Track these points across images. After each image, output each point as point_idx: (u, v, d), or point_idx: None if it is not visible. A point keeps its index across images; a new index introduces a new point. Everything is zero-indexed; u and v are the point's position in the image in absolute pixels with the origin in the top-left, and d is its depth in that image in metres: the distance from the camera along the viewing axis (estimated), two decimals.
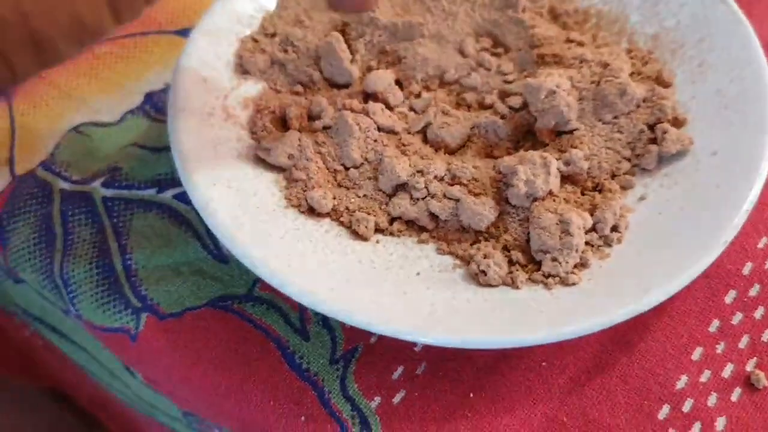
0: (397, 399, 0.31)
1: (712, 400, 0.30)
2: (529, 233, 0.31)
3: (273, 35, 0.38)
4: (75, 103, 0.41)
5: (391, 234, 0.33)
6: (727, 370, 0.31)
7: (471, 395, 0.30)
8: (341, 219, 0.33)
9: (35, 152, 0.39)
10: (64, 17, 0.17)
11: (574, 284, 0.29)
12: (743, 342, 0.31)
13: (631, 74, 0.35)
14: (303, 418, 0.30)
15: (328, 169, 0.34)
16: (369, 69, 0.37)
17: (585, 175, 0.32)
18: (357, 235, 0.32)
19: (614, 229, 0.31)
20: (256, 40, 0.38)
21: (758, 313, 0.32)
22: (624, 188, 0.33)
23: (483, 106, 0.36)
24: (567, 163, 0.32)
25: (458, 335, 0.28)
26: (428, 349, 0.32)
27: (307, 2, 0.39)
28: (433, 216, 0.32)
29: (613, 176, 0.33)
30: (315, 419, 0.30)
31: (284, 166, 0.34)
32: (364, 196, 0.33)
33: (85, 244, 0.36)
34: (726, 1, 0.36)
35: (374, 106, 0.34)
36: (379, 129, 0.34)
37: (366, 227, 0.32)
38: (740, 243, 0.34)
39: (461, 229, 0.32)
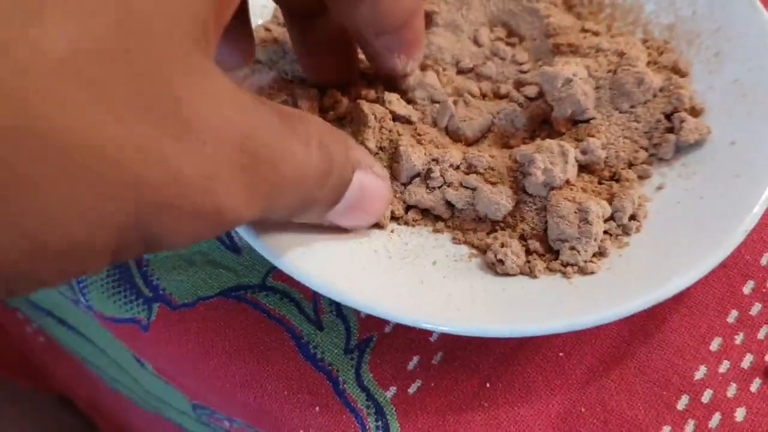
0: (412, 389, 0.30)
1: (731, 390, 0.30)
2: (546, 222, 0.31)
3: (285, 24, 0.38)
4: None
5: (406, 223, 0.32)
6: (746, 361, 0.31)
7: (488, 385, 0.30)
8: None
9: None
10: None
11: (592, 273, 0.29)
12: (762, 333, 0.31)
13: (647, 64, 0.35)
14: (317, 408, 0.30)
15: None
16: None
17: (602, 164, 0.32)
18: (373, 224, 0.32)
19: (633, 218, 0.31)
20: (268, 29, 0.38)
21: None
22: (641, 178, 0.32)
23: (498, 96, 0.35)
24: (584, 152, 0.31)
25: (475, 324, 0.28)
26: (444, 338, 0.31)
27: None
28: (450, 205, 0.32)
29: (630, 165, 0.32)
30: (330, 409, 0.30)
31: None
32: None
33: None
34: None
35: (390, 96, 0.34)
36: (395, 119, 0.34)
37: (383, 215, 0.31)
38: (758, 233, 0.34)
39: (477, 219, 0.32)
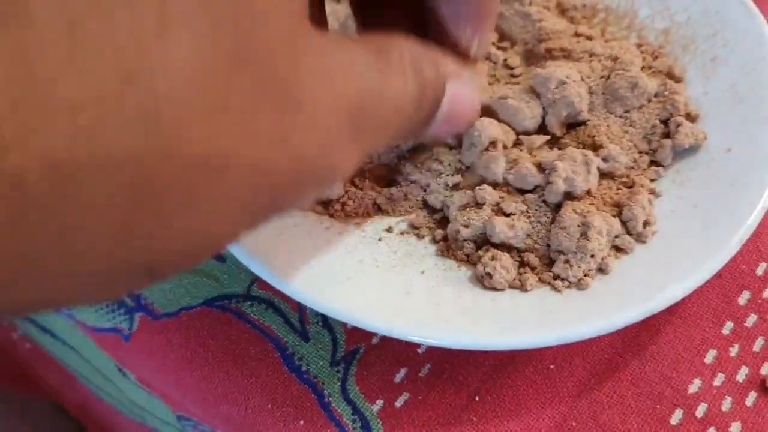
0: (400, 402, 0.29)
1: (726, 404, 0.29)
2: (548, 237, 0.30)
3: None
4: None
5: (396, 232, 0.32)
6: (742, 374, 0.30)
7: (476, 398, 0.29)
8: (345, 212, 0.31)
9: None
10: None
11: (583, 288, 0.28)
12: (758, 345, 0.30)
13: (642, 68, 0.34)
14: (302, 422, 0.29)
15: None
16: None
17: (623, 170, 0.31)
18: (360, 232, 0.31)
19: (646, 224, 0.30)
20: None
21: None
22: (653, 181, 0.31)
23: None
24: (606, 160, 0.31)
25: (465, 336, 0.27)
26: (432, 350, 0.31)
27: None
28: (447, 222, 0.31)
29: (632, 168, 0.32)
30: (314, 423, 0.29)
31: None
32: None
33: None
34: None
35: None
36: None
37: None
38: (754, 243, 0.33)
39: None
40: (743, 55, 0.34)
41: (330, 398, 0.30)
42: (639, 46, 0.36)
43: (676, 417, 0.29)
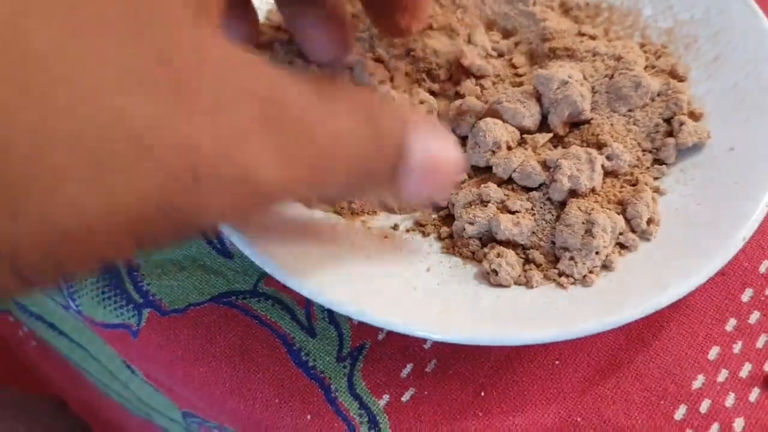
0: (406, 397, 0.30)
1: (729, 400, 0.29)
2: (554, 234, 0.30)
3: (278, 28, 0.37)
4: None
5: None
6: (745, 370, 0.30)
7: (482, 394, 0.30)
8: (351, 210, 0.32)
9: None
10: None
11: (588, 285, 0.29)
12: (761, 341, 0.31)
13: (645, 68, 0.35)
14: (309, 416, 0.30)
15: None
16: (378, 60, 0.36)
17: (627, 169, 0.31)
18: (370, 223, 0.31)
19: (650, 221, 0.30)
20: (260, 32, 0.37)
21: None
22: (656, 179, 0.32)
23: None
24: (610, 158, 0.31)
25: (470, 332, 0.27)
26: (438, 346, 0.31)
27: None
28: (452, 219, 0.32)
29: (635, 167, 0.32)
30: (321, 417, 0.30)
31: None
32: None
33: None
34: None
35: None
36: None
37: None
38: (757, 241, 0.33)
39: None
40: (746, 55, 0.34)
41: (337, 393, 0.30)
42: (642, 45, 0.36)
43: (680, 412, 0.29)
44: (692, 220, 0.30)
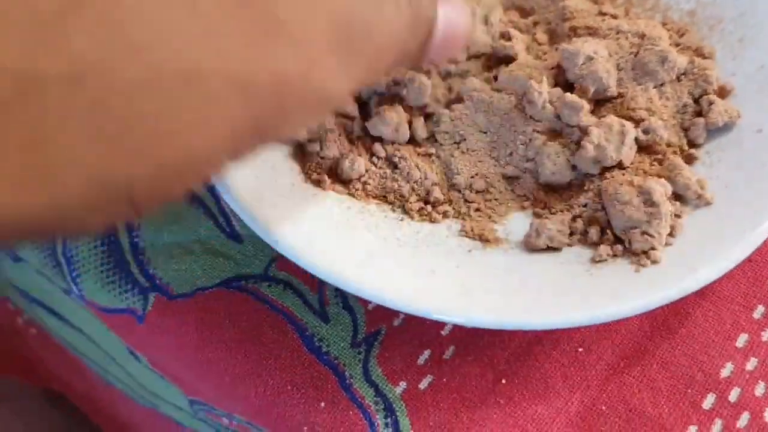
0: (423, 384, 0.29)
1: (759, 389, 0.28)
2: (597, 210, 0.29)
3: None
4: None
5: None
6: None
7: (503, 381, 0.28)
8: (366, 191, 0.31)
9: None
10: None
11: (655, 262, 0.27)
12: None
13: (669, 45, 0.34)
14: (323, 403, 0.29)
15: (352, 142, 0.32)
16: None
17: (663, 145, 0.30)
18: (384, 206, 0.30)
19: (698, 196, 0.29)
20: None
21: None
22: (687, 160, 0.31)
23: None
24: (646, 132, 0.30)
25: (492, 315, 0.26)
26: (456, 332, 0.30)
27: None
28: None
29: (668, 145, 0.31)
30: (336, 405, 0.29)
31: (301, 140, 0.32)
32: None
33: None
34: None
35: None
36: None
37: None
38: None
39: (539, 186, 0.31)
40: None
41: (352, 380, 0.29)
42: (664, 25, 0.35)
43: (709, 401, 0.28)
44: (719, 203, 0.29)
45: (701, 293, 0.30)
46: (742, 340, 0.29)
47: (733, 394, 0.28)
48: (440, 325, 0.30)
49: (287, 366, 0.29)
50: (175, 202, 0.21)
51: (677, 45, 0.34)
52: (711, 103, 0.31)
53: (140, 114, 0.16)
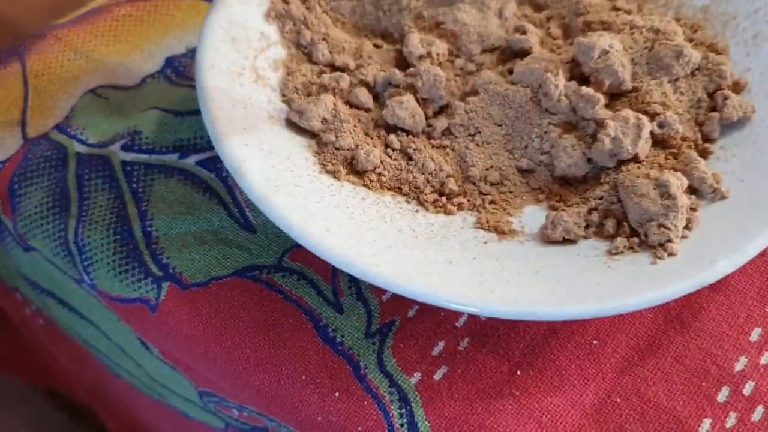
0: (438, 375, 0.29)
1: None
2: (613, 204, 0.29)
3: None
4: (92, 64, 0.39)
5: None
6: None
7: (518, 373, 0.28)
8: (380, 183, 0.31)
9: (49, 115, 0.37)
10: None
11: (672, 254, 0.27)
12: None
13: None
14: (337, 393, 0.29)
15: (367, 134, 0.32)
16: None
17: (678, 139, 0.30)
18: (399, 198, 0.30)
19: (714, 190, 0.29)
20: (286, 1, 0.36)
21: None
22: (703, 155, 0.31)
23: None
24: (661, 126, 0.30)
25: (511, 306, 0.26)
26: (471, 323, 0.30)
27: None
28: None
29: (683, 139, 0.31)
30: (350, 395, 0.28)
31: (317, 131, 0.32)
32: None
33: (102, 210, 0.34)
34: None
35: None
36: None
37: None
38: None
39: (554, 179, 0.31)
40: None
41: (366, 370, 0.29)
42: (677, 21, 0.36)
43: (723, 394, 0.28)
44: (735, 198, 0.29)
45: (715, 287, 0.30)
46: (756, 334, 0.29)
47: (748, 388, 0.28)
48: (455, 316, 0.30)
49: (301, 355, 0.29)
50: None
51: (691, 41, 0.34)
52: (726, 98, 0.31)
53: None
